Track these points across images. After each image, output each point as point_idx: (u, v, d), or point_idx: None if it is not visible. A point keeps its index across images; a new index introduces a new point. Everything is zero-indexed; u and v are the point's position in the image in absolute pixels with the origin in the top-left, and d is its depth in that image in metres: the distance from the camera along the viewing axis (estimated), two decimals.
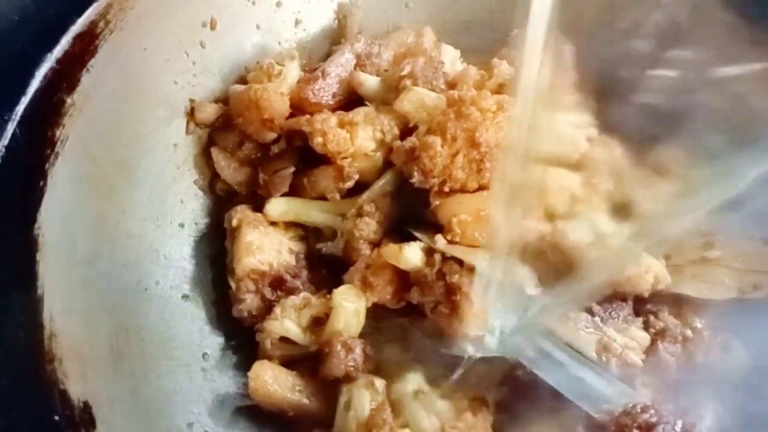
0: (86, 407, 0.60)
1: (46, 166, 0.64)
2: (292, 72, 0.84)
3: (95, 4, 0.69)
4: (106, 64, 0.70)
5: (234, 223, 0.80)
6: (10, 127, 0.61)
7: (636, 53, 0.89)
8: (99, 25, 0.70)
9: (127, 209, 0.75)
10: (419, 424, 0.71)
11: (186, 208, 0.84)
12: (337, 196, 0.80)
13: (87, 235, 0.69)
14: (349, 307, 0.74)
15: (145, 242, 0.77)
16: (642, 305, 0.77)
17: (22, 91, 0.63)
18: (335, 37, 0.94)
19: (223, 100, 0.86)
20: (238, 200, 0.85)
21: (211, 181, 0.87)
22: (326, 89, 0.83)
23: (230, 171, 0.84)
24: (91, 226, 0.70)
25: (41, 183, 0.63)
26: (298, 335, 0.75)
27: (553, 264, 0.76)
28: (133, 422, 0.65)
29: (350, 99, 0.84)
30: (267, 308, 0.78)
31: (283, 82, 0.83)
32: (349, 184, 0.79)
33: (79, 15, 0.69)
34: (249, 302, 0.78)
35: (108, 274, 0.71)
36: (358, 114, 0.79)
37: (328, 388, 0.73)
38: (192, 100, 0.84)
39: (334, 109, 0.82)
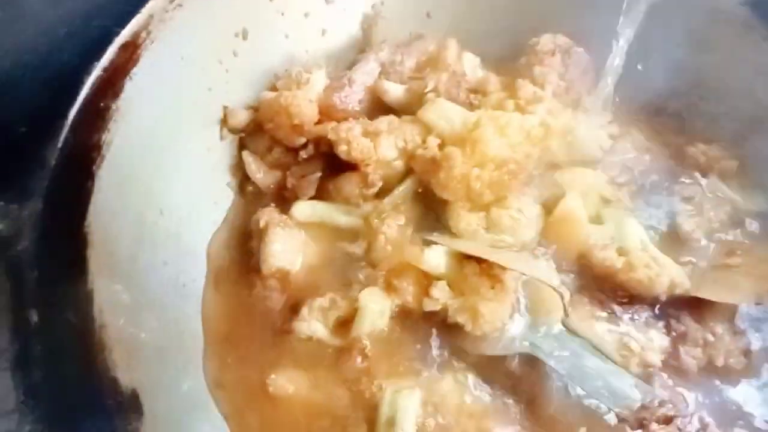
0: (134, 394, 0.64)
1: (94, 167, 0.69)
2: (320, 80, 0.88)
3: (137, 17, 0.73)
4: (147, 73, 0.75)
5: (261, 224, 0.83)
6: (63, 133, 0.65)
7: None
8: (141, 36, 0.74)
9: (164, 210, 0.79)
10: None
11: (219, 209, 0.88)
12: (361, 201, 0.83)
13: (129, 233, 0.73)
14: (375, 308, 0.77)
15: (181, 241, 0.81)
16: (664, 309, 0.78)
17: (73, 99, 0.67)
18: (360, 46, 0.98)
19: (254, 106, 0.89)
20: (266, 202, 0.88)
21: (242, 183, 0.90)
22: (352, 96, 0.87)
23: (260, 174, 0.88)
24: (132, 225, 0.74)
25: (89, 183, 0.68)
26: (324, 335, 0.77)
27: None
28: (174, 410, 0.69)
29: (375, 105, 0.88)
30: (291, 307, 0.80)
31: (311, 89, 0.86)
32: (373, 190, 0.83)
33: (122, 27, 0.73)
34: (274, 300, 0.81)
35: (149, 271, 0.75)
36: (382, 123, 0.82)
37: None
38: (225, 107, 0.88)
39: (359, 115, 0.86)
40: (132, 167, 0.74)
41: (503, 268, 0.74)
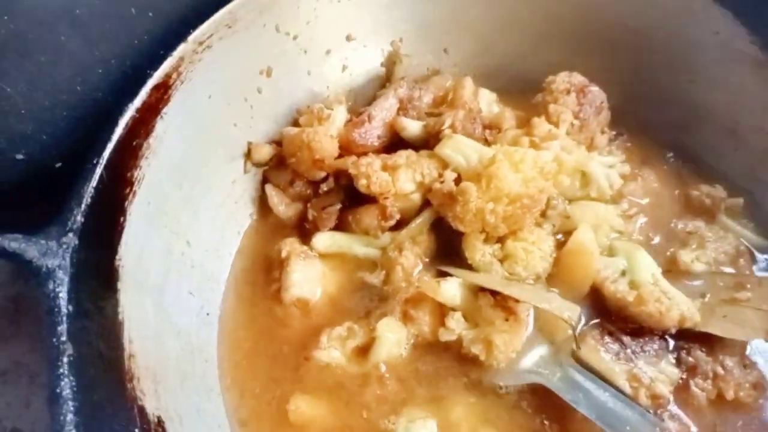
0: (160, 422, 0.67)
1: (126, 203, 0.72)
2: (340, 115, 0.91)
3: (169, 59, 0.77)
4: (176, 111, 0.78)
5: (283, 254, 0.86)
6: (98, 171, 0.68)
7: None
8: (172, 77, 0.78)
9: (191, 241, 0.82)
10: None
11: (242, 239, 0.91)
12: (380, 233, 0.86)
13: (157, 265, 0.76)
14: (392, 337, 0.79)
15: (206, 271, 0.84)
16: (674, 341, 0.80)
17: (108, 138, 0.71)
18: (380, 81, 1.02)
19: (277, 141, 0.93)
20: (287, 233, 0.91)
21: (264, 215, 0.93)
22: (372, 132, 0.89)
23: (282, 206, 0.91)
24: (160, 257, 0.77)
25: (122, 219, 0.71)
26: (342, 362, 0.80)
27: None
28: None
29: (393, 140, 0.91)
30: (310, 335, 0.82)
31: (332, 125, 0.89)
32: (391, 222, 0.85)
33: (154, 69, 0.77)
34: (294, 328, 0.83)
35: (175, 301, 0.78)
36: (401, 158, 0.85)
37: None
38: (249, 142, 0.91)
39: (378, 150, 0.89)
40: (161, 201, 0.78)
41: (517, 301, 0.76)
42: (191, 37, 0.79)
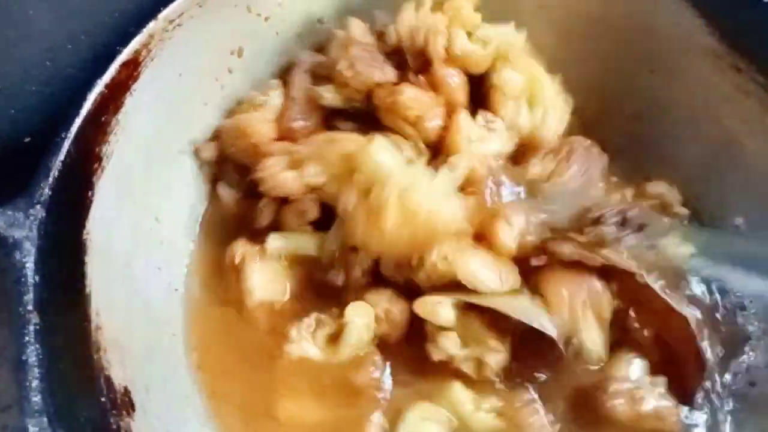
0: (126, 392, 0.68)
1: (94, 178, 0.73)
2: (275, 100, 0.88)
3: (139, 36, 0.77)
4: (146, 88, 0.79)
5: (237, 259, 0.83)
6: (66, 145, 0.69)
7: None
8: (142, 54, 0.78)
9: (160, 217, 0.83)
10: None
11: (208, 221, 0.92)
12: (308, 229, 0.84)
13: (126, 240, 0.77)
14: (360, 322, 0.78)
15: (175, 248, 0.85)
16: None
17: (77, 113, 0.71)
18: None
19: (216, 135, 0.91)
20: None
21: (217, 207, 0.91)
22: (299, 113, 0.87)
23: (233, 205, 0.89)
24: (129, 232, 0.78)
25: (90, 193, 0.72)
26: (317, 354, 0.79)
27: None
28: (165, 406, 0.73)
29: (328, 112, 0.88)
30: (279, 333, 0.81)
31: (268, 110, 0.87)
32: (310, 217, 0.83)
33: (124, 45, 0.77)
34: (260, 330, 0.81)
35: (143, 276, 0.79)
36: (310, 146, 0.81)
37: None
38: (194, 144, 0.90)
39: (319, 129, 0.87)
40: (130, 177, 0.78)
41: (506, 318, 0.75)
42: (161, 15, 0.79)
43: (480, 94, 0.90)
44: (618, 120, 0.98)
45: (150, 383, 0.72)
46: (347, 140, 0.81)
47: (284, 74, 0.93)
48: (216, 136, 0.91)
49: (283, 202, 0.84)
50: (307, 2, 0.96)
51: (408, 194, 0.74)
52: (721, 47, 0.89)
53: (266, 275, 0.83)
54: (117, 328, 0.71)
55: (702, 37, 0.90)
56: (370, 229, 0.76)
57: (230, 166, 0.90)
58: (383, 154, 0.78)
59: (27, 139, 0.78)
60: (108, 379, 0.67)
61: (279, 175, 0.81)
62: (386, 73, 0.85)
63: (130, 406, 0.68)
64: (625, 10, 0.93)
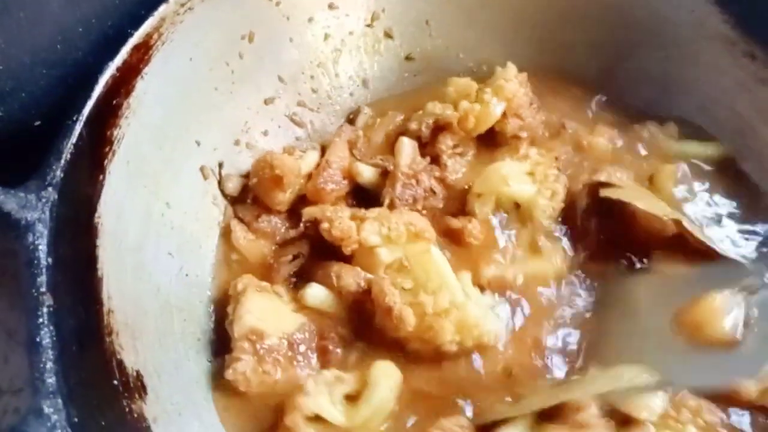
0: (138, 375, 0.68)
1: (105, 162, 0.73)
2: (311, 157, 0.92)
3: (150, 19, 0.77)
4: (157, 72, 0.78)
5: (239, 288, 0.80)
6: (78, 128, 0.69)
7: None
8: (153, 37, 0.78)
9: (171, 202, 0.83)
10: None
11: (219, 206, 0.91)
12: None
13: (137, 224, 0.77)
14: (386, 384, 0.73)
15: (185, 233, 0.85)
16: None
17: (88, 96, 0.71)
18: (360, 53, 1.03)
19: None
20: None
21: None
22: (333, 177, 0.90)
23: (244, 242, 0.89)
24: (140, 216, 0.78)
25: (101, 177, 0.72)
26: (331, 414, 0.72)
27: None
28: (176, 391, 0.73)
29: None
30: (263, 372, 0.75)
31: (303, 161, 0.91)
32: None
33: (135, 28, 0.77)
34: (244, 363, 0.74)
35: (154, 261, 0.78)
36: (371, 212, 0.84)
37: None
38: (221, 172, 0.92)
39: (347, 197, 0.91)
40: (141, 161, 0.78)
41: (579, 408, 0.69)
42: None
43: None
44: (632, 104, 0.97)
45: (162, 368, 0.72)
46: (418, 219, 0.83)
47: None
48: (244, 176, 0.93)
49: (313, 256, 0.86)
50: None
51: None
52: (734, 34, 0.90)
53: (265, 307, 0.79)
54: (129, 312, 0.71)
55: (716, 24, 0.90)
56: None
57: (250, 206, 0.91)
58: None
59: (37, 123, 0.78)
60: (120, 363, 0.66)
61: (344, 219, 0.81)
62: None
63: (142, 390, 0.68)
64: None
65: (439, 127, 0.93)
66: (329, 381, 0.73)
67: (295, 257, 0.86)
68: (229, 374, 0.74)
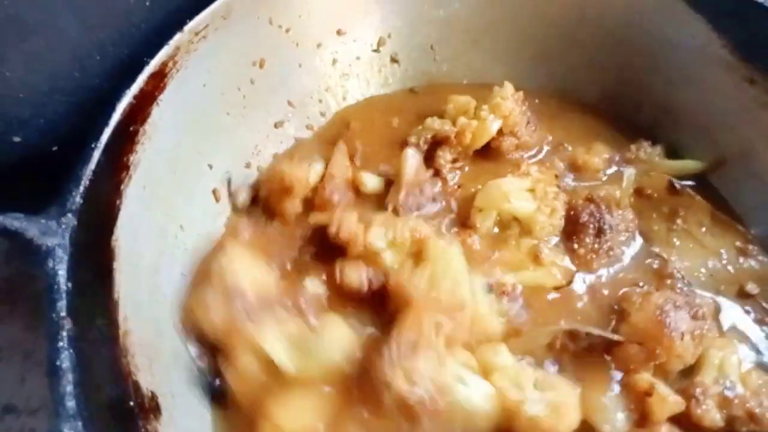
0: (153, 396, 0.69)
1: (122, 186, 0.74)
2: (317, 169, 0.95)
3: (165, 48, 0.79)
4: (171, 99, 0.80)
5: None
6: (96, 154, 0.70)
7: None
8: (168, 66, 0.80)
9: (185, 225, 0.84)
10: None
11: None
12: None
13: (152, 247, 0.79)
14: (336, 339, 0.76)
15: (198, 255, 0.86)
16: None
17: (106, 123, 0.73)
18: (368, 79, 1.06)
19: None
20: None
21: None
22: (336, 188, 0.92)
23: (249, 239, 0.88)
24: (155, 239, 0.80)
25: (118, 201, 0.73)
26: (279, 356, 0.74)
27: None
28: (189, 412, 0.74)
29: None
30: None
31: (311, 171, 0.93)
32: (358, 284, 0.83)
33: (151, 57, 0.79)
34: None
35: (168, 282, 0.80)
36: (378, 217, 0.86)
37: None
38: (230, 186, 0.94)
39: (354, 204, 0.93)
40: (155, 185, 0.80)
41: None
42: (187, 27, 0.81)
43: None
44: (635, 127, 0.99)
45: (176, 389, 0.74)
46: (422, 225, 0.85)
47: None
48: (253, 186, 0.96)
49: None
50: (326, 14, 0.98)
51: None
52: (734, 59, 0.91)
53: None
54: (144, 333, 0.72)
55: (716, 50, 0.92)
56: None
57: (259, 209, 0.94)
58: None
59: (54, 148, 0.80)
60: (136, 384, 0.68)
61: (352, 222, 0.84)
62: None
63: (156, 411, 0.69)
64: (642, 25, 0.95)
65: (437, 142, 0.96)
66: (290, 330, 0.75)
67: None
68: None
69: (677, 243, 0.90)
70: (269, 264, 0.84)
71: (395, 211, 0.90)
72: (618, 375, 0.78)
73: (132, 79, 0.77)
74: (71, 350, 0.60)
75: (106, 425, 0.61)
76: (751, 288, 0.86)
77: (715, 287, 0.87)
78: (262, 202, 0.93)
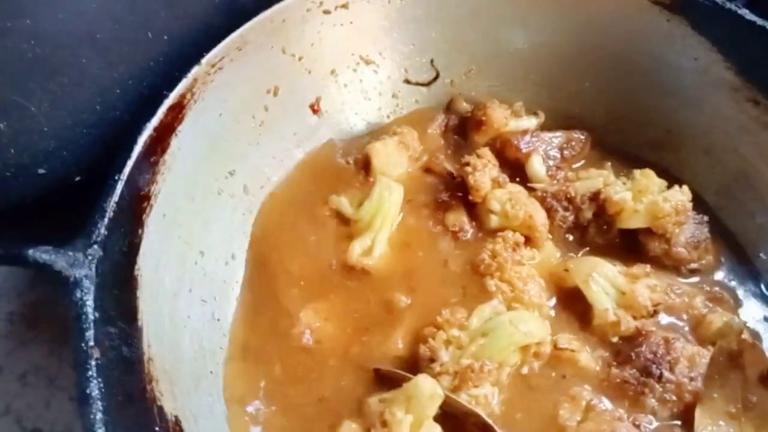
0: (177, 421, 0.72)
1: (144, 216, 0.77)
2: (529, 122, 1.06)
3: (184, 80, 0.82)
4: (189, 129, 0.83)
5: None
6: (120, 187, 0.73)
7: None
8: (186, 97, 0.82)
9: (204, 250, 0.87)
10: None
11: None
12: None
13: (172, 273, 0.81)
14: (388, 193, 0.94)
15: (217, 279, 0.89)
16: None
17: (128, 155, 0.75)
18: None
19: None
20: None
21: None
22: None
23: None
24: (175, 265, 0.82)
25: (140, 231, 0.76)
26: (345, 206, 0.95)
27: None
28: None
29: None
30: None
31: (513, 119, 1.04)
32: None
33: (170, 89, 0.82)
34: None
35: (188, 307, 0.82)
36: (513, 186, 0.96)
37: None
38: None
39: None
40: (175, 213, 0.82)
41: None
42: (204, 60, 0.83)
43: None
44: (638, 148, 1.01)
45: (198, 412, 0.76)
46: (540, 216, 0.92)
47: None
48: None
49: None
50: (337, 42, 1.00)
51: None
52: (737, 81, 0.93)
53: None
54: (166, 359, 0.75)
55: (719, 71, 0.94)
56: None
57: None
58: None
59: (78, 178, 0.82)
60: (161, 410, 0.70)
61: (486, 175, 0.93)
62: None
63: None
64: (645, 46, 0.97)
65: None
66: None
67: None
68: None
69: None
70: None
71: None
72: None
73: (152, 112, 0.79)
74: (100, 379, 0.62)
75: None
76: None
77: None
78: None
